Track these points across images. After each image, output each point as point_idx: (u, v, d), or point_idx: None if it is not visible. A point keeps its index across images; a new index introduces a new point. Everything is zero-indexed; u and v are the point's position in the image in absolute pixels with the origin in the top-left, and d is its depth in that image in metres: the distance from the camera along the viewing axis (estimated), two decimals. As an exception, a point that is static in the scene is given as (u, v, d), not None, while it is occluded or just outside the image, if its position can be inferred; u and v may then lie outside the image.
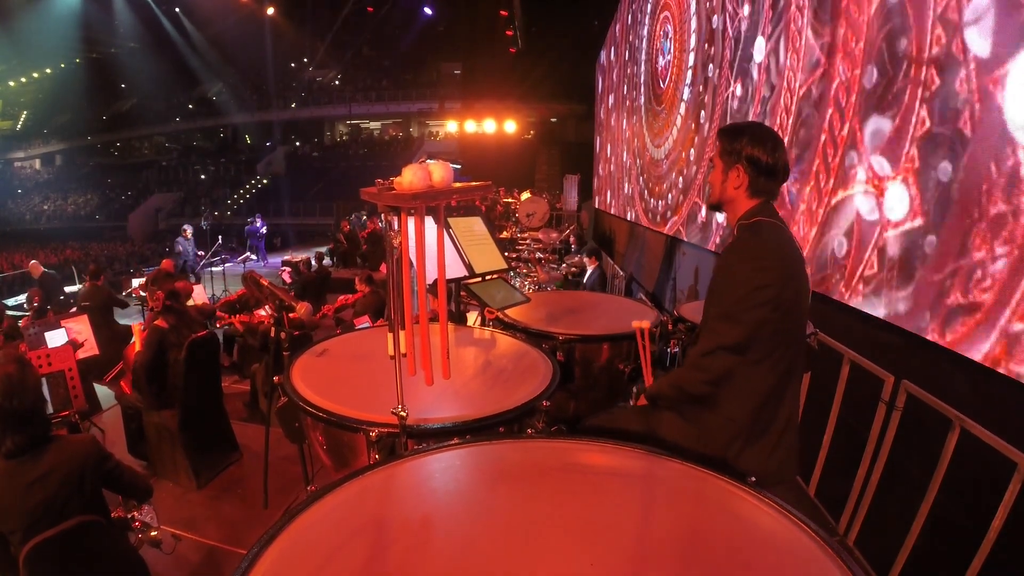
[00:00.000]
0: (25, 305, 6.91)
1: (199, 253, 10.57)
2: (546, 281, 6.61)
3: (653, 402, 1.70)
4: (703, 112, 5.11)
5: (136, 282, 7.63)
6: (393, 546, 1.06)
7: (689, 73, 5.69)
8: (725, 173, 1.55)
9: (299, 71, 34.16)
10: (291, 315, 2.60)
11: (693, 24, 5.54)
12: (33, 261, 7.58)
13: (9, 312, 6.52)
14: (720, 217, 4.56)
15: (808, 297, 1.58)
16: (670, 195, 6.26)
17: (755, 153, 1.49)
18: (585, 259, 6.88)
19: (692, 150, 5.42)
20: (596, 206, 13.40)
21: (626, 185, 9.36)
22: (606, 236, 11.24)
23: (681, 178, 5.79)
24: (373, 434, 1.49)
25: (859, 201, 2.61)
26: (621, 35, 10.05)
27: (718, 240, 4.58)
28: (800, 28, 3.22)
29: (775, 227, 1.51)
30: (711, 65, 4.85)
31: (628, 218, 9.00)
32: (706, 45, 5.05)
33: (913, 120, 2.22)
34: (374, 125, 33.45)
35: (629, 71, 9.19)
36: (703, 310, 1.60)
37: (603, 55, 12.99)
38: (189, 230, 10.73)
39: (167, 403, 3.29)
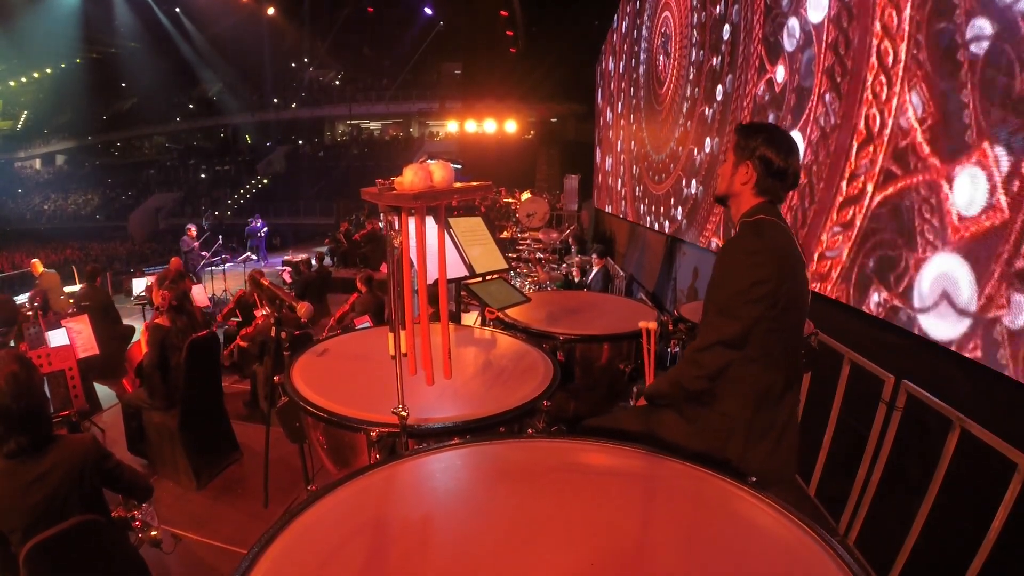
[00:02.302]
0: (27, 304, 6.89)
1: (204, 253, 10.55)
2: (546, 280, 6.62)
3: (652, 401, 1.70)
4: (709, 107, 5.02)
5: (137, 281, 7.61)
6: (393, 546, 1.06)
7: (689, 82, 5.66)
8: (735, 167, 1.56)
9: (299, 71, 34.13)
10: (292, 315, 2.60)
11: (695, 37, 5.49)
12: (34, 260, 7.56)
13: None
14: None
15: (807, 298, 1.58)
16: (679, 209, 6.05)
17: (768, 153, 1.50)
18: (594, 257, 6.90)
19: (710, 139, 5.13)
20: (596, 206, 13.39)
21: (619, 183, 9.30)
22: (606, 236, 11.23)
23: (694, 180, 5.59)
24: (374, 434, 1.49)
25: None
26: (621, 35, 10.05)
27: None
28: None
29: (777, 226, 1.52)
30: (725, 27, 4.55)
31: (626, 217, 8.99)
32: (717, 9, 4.78)
33: None
34: (374, 125, 33.41)
35: (630, 67, 9.19)
36: (703, 307, 1.60)
37: (603, 55, 12.99)
38: (194, 229, 10.64)
39: (170, 402, 3.30)
